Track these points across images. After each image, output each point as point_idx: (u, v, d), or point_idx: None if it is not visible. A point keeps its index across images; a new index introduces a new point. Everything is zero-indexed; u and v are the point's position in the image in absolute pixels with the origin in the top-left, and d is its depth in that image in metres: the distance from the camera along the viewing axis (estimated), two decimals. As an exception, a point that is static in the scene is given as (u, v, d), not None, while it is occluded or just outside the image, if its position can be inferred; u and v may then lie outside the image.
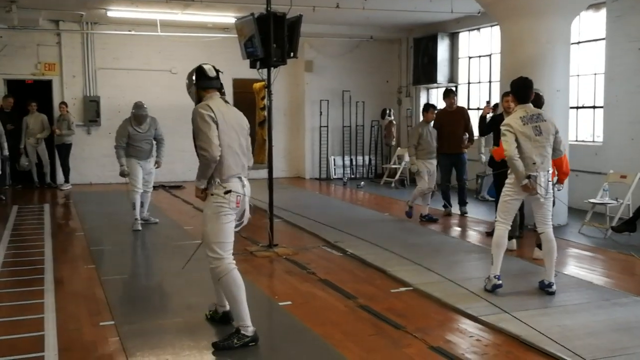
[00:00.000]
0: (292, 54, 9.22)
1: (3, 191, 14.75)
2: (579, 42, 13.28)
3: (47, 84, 17.26)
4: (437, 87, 18.62)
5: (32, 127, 16.16)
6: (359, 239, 9.99)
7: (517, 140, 6.86)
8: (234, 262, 5.56)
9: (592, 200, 10.79)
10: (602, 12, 12.78)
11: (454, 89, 16.20)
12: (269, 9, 9.00)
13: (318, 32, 17.53)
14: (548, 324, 6.00)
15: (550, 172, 7.09)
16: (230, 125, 5.55)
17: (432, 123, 11.83)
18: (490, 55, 16.43)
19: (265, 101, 9.51)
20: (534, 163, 6.87)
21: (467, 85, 17.47)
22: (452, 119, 12.06)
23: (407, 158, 17.29)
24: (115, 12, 15.51)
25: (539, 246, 9.04)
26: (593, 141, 13.23)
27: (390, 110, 18.70)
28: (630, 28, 12.01)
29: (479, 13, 15.28)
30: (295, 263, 8.59)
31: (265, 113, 9.57)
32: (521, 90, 7.09)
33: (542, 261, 7.33)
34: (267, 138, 9.59)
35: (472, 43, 17.33)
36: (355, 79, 19.60)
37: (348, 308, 6.66)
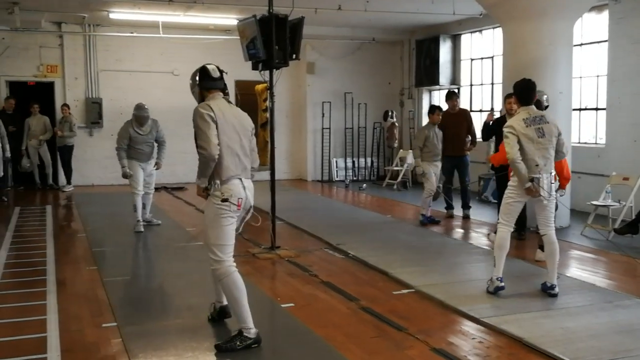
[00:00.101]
0: (294, 56, 9.23)
1: (5, 193, 14.76)
2: (581, 44, 13.27)
3: (50, 86, 17.27)
4: (439, 89, 18.60)
5: (34, 128, 16.17)
6: (361, 241, 10.01)
7: (519, 142, 6.86)
8: (235, 264, 5.55)
9: (594, 203, 10.78)
10: (605, 14, 12.77)
11: (456, 91, 16.18)
12: (271, 10, 9.00)
13: (320, 34, 17.52)
14: (550, 326, 6.00)
15: (553, 174, 7.08)
16: (231, 125, 5.53)
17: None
18: (492, 57, 16.42)
19: (268, 103, 9.52)
20: (537, 165, 6.86)
21: (470, 87, 17.45)
22: (454, 121, 12.03)
23: (409, 160, 17.35)
24: (117, 14, 15.52)
25: (541, 248, 9.04)
26: (596, 143, 13.21)
27: (392, 112, 18.68)
28: (633, 30, 11.99)
29: (481, 15, 15.26)
30: (298, 265, 8.59)
31: (268, 115, 9.57)
32: (524, 92, 7.08)
33: (545, 263, 7.32)
34: (269, 140, 9.59)
35: (475, 45, 17.31)
36: (357, 80, 19.59)
37: (350, 310, 6.66)
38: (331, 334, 5.86)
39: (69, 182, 16.65)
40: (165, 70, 17.86)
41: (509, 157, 6.88)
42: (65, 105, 16.62)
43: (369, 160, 19.86)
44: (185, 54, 17.35)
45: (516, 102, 7.27)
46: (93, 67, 17.46)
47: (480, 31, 16.93)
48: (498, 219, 7.35)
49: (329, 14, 14.78)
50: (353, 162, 19.64)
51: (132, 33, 17.08)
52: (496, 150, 9.68)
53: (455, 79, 17.80)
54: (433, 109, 11.82)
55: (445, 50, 17.66)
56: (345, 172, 19.41)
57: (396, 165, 18.46)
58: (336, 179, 19.33)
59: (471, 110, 15.81)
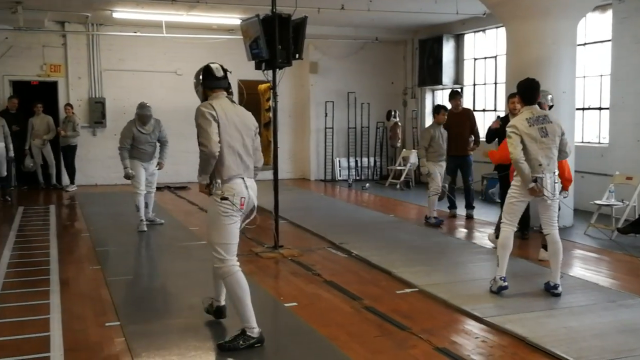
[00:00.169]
0: (297, 56, 9.22)
1: (9, 192, 14.78)
2: (585, 44, 13.25)
3: (53, 85, 17.28)
4: (442, 89, 18.60)
5: (37, 128, 16.17)
6: (364, 240, 10.01)
7: (522, 142, 6.85)
8: (238, 263, 5.56)
9: (597, 202, 10.77)
10: (609, 14, 12.76)
11: (459, 90, 16.17)
12: (274, 10, 9.01)
13: (323, 33, 17.51)
14: (554, 326, 6.00)
15: (557, 173, 7.07)
16: (233, 124, 5.53)
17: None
18: (495, 57, 16.41)
19: (271, 102, 9.52)
20: (540, 165, 6.86)
21: (473, 86, 17.44)
22: (458, 121, 12.01)
23: (412, 159, 17.37)
24: (120, 14, 15.53)
25: (545, 247, 9.03)
26: (599, 142, 13.19)
27: (395, 112, 18.66)
28: (637, 29, 11.98)
29: (484, 14, 15.25)
30: (301, 264, 8.59)
31: (271, 114, 9.58)
32: (528, 91, 7.07)
33: (548, 262, 7.32)
34: (273, 139, 9.60)
35: (478, 44, 17.30)
36: (360, 80, 19.58)
37: (353, 309, 6.66)
38: (334, 333, 5.86)
39: (72, 182, 16.66)
40: (169, 70, 17.87)
41: (513, 157, 6.88)
42: (68, 104, 16.63)
43: (372, 159, 19.85)
44: (188, 53, 17.35)
45: (519, 101, 7.25)
46: (96, 66, 17.47)
47: (483, 31, 16.92)
48: (501, 219, 7.35)
49: (332, 14, 14.77)
50: (356, 161, 19.64)
51: (135, 32, 17.09)
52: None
53: (458, 79, 17.79)
54: (438, 109, 11.77)
55: (448, 49, 17.65)
56: (348, 172, 19.41)
57: (399, 165, 18.47)
58: (339, 179, 19.33)
59: (474, 110, 15.79)
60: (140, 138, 10.71)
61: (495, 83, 16.44)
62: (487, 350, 5.50)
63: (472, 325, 6.15)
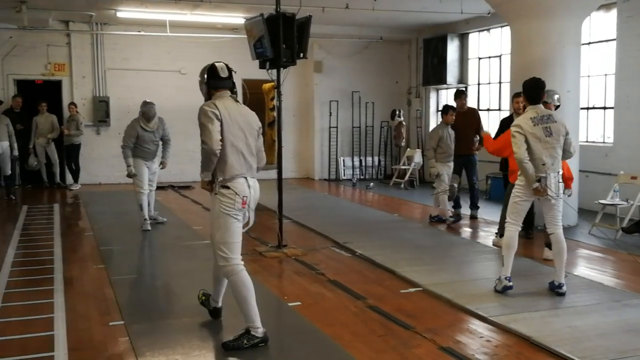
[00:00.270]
0: (301, 55, 9.21)
1: (13, 191, 14.79)
2: (589, 43, 13.23)
3: (57, 85, 17.31)
4: (446, 88, 18.59)
5: (41, 127, 16.18)
6: (368, 239, 10.01)
7: (527, 141, 6.84)
8: (242, 262, 5.55)
9: (602, 201, 10.75)
10: (613, 13, 12.73)
11: (464, 89, 16.16)
12: (278, 9, 9.00)
13: (327, 32, 17.52)
14: (558, 325, 5.99)
15: (561, 173, 7.06)
16: (237, 124, 5.53)
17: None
18: (500, 56, 16.39)
19: (275, 102, 9.52)
20: (544, 164, 6.84)
21: (477, 86, 17.42)
22: (463, 120, 11.94)
23: (417, 159, 17.37)
24: (124, 13, 15.55)
25: (548, 246, 9.02)
26: (603, 142, 13.17)
27: (399, 111, 18.65)
28: (641, 29, 11.97)
29: (488, 14, 15.23)
30: (305, 264, 8.58)
31: (275, 114, 9.57)
32: (533, 90, 7.05)
33: (552, 261, 7.30)
34: (277, 139, 9.59)
35: (482, 44, 17.28)
36: (365, 79, 19.58)
37: (357, 309, 6.65)
38: (338, 333, 5.86)
39: (76, 181, 16.68)
40: (173, 69, 17.88)
41: (517, 157, 6.87)
42: (72, 103, 16.65)
43: (376, 159, 19.85)
44: (192, 52, 17.36)
45: (524, 100, 7.23)
46: (100, 65, 17.49)
47: (488, 30, 16.90)
48: (502, 220, 7.34)
49: (337, 13, 14.77)
50: (360, 160, 19.63)
51: (139, 32, 17.10)
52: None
53: (462, 78, 17.77)
54: (446, 109, 11.68)
55: (452, 49, 17.64)
56: (353, 171, 19.41)
57: (403, 164, 18.45)
58: (343, 178, 19.32)
59: (478, 109, 15.76)
60: (145, 136, 10.70)
61: (500, 82, 16.41)
62: (492, 349, 5.49)
63: (476, 325, 6.14)
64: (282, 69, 9.17)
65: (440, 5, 14.85)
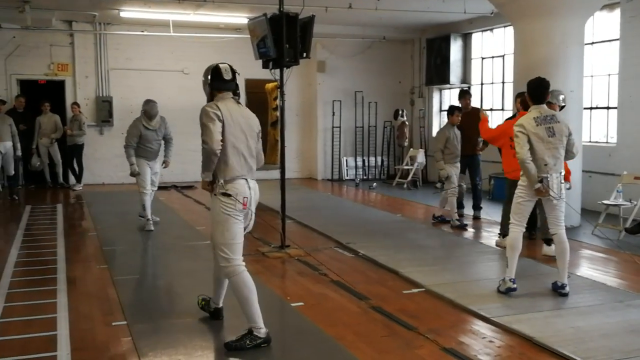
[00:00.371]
0: (304, 55, 9.21)
1: (16, 191, 14.82)
2: (592, 43, 13.21)
3: (60, 84, 17.32)
4: (449, 88, 18.59)
5: (44, 127, 16.18)
6: (371, 240, 10.01)
7: (529, 141, 6.83)
8: (244, 263, 5.56)
9: (605, 202, 10.74)
10: (616, 13, 12.72)
11: (468, 89, 16.13)
12: (281, 9, 9.00)
13: (330, 32, 17.50)
14: (561, 326, 5.99)
15: (563, 173, 7.05)
16: (238, 125, 5.55)
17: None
18: (503, 56, 16.38)
19: (278, 101, 9.51)
20: (546, 164, 6.83)
21: (480, 86, 17.40)
22: (466, 120, 11.88)
23: (420, 159, 17.36)
24: (127, 13, 15.55)
25: (546, 241, 9.03)
26: (607, 142, 13.16)
27: (402, 111, 18.61)
28: (645, 28, 11.96)
29: (492, 13, 15.23)
30: (307, 264, 8.58)
31: (278, 113, 9.57)
32: (537, 90, 7.04)
33: (552, 259, 7.30)
34: (280, 138, 9.59)
35: (485, 44, 17.26)
36: (368, 79, 19.57)
37: (360, 309, 6.65)
38: (341, 333, 5.86)
39: (79, 181, 16.69)
40: (176, 69, 17.89)
41: (519, 157, 6.85)
42: (75, 103, 16.66)
43: (379, 159, 19.85)
44: (195, 52, 17.37)
45: (528, 99, 7.20)
46: (103, 65, 17.50)
47: (491, 30, 16.88)
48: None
49: (340, 13, 14.76)
50: (363, 160, 19.63)
51: (142, 32, 17.11)
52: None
53: (465, 78, 17.76)
54: (452, 110, 11.58)
55: (455, 49, 17.62)
56: (356, 171, 19.40)
57: (406, 164, 18.45)
58: (346, 178, 19.32)
59: (482, 109, 15.73)
60: (148, 135, 10.69)
61: (503, 82, 16.39)
62: (495, 350, 5.48)
63: (479, 325, 6.13)
64: (285, 68, 9.17)
65: (443, 5, 14.85)
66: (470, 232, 11.15)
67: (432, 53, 18.36)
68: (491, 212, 12.25)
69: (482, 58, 17.34)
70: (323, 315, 6.41)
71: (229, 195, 5.42)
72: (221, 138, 5.39)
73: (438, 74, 18.10)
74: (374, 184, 17.88)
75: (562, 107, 8.61)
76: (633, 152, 12.07)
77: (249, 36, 9.48)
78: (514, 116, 9.92)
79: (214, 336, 5.88)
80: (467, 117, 11.80)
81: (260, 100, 18.82)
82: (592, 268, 8.48)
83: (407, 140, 18.63)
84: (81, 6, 15.23)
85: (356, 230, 10.78)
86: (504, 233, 9.67)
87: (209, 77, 5.67)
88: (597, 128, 13.51)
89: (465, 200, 12.30)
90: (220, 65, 5.70)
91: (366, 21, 17.15)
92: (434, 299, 6.99)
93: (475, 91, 17.35)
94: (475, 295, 6.97)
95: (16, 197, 14.49)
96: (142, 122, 10.70)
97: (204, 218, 11.81)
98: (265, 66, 9.30)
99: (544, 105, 7.06)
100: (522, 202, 7.04)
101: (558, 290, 6.99)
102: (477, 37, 17.55)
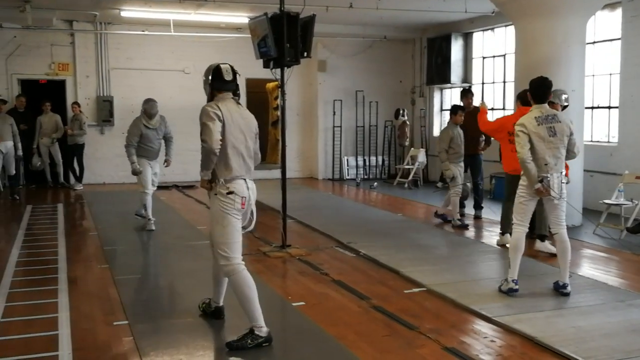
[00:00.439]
0: (305, 54, 9.20)
1: (17, 191, 14.81)
2: (594, 42, 13.20)
3: (61, 84, 17.32)
4: (450, 88, 18.59)
5: (45, 127, 16.16)
6: (372, 239, 10.00)
7: (530, 141, 6.82)
8: (243, 262, 5.57)
9: (607, 201, 10.73)
10: (618, 12, 12.71)
11: (470, 88, 16.11)
12: (282, 8, 9.00)
13: (331, 32, 17.48)
14: (563, 325, 5.98)
15: (564, 173, 7.03)
16: (238, 126, 5.58)
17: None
18: (504, 56, 16.37)
19: (279, 101, 9.51)
20: (547, 164, 6.81)
21: (481, 85, 17.40)
22: (469, 120, 11.86)
23: (420, 158, 17.35)
24: (128, 12, 15.55)
25: (540, 237, 9.01)
26: (608, 142, 13.15)
27: (403, 111, 18.62)
28: (646, 28, 11.95)
29: (493, 13, 15.23)
30: (309, 264, 8.58)
31: (279, 113, 9.57)
32: (539, 89, 7.02)
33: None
34: (281, 138, 9.58)
35: (486, 43, 17.25)
36: (369, 79, 19.56)
37: (361, 309, 6.65)
38: (342, 333, 5.85)
39: (79, 181, 16.69)
40: (176, 69, 17.89)
41: (520, 157, 6.84)
42: (75, 103, 16.65)
43: (380, 158, 19.83)
44: (196, 52, 17.38)
45: (530, 98, 7.18)
46: (104, 65, 17.50)
47: (492, 29, 16.87)
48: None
49: (341, 12, 14.74)
50: (364, 160, 19.62)
51: (143, 31, 17.11)
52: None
53: (466, 77, 17.75)
54: (455, 110, 11.55)
55: (456, 48, 17.62)
56: (356, 171, 19.39)
57: (407, 164, 18.44)
58: (347, 178, 19.30)
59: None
60: (148, 134, 10.67)
61: (504, 82, 16.38)
62: (496, 350, 5.48)
63: (480, 325, 6.13)
64: (286, 68, 9.16)
65: (444, 5, 14.84)
66: (471, 231, 11.14)
67: (433, 52, 18.36)
68: (492, 212, 12.25)
69: (483, 57, 17.33)
70: (324, 315, 6.41)
71: (230, 192, 5.45)
72: (220, 138, 5.42)
73: (439, 74, 18.10)
74: (375, 183, 17.88)
75: (565, 107, 8.59)
76: (634, 151, 12.06)
77: (249, 36, 9.48)
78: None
79: (215, 336, 5.88)
80: (469, 116, 11.77)
81: (261, 100, 18.88)
82: (593, 268, 8.47)
83: (407, 139, 18.64)
84: (82, 6, 15.24)
85: (357, 230, 10.77)
86: (503, 231, 9.68)
87: (210, 77, 5.69)
88: (599, 127, 13.50)
89: (465, 200, 12.28)
90: (222, 66, 5.71)
91: (367, 20, 17.15)
92: (435, 299, 6.98)
93: (476, 91, 17.30)
94: (476, 295, 6.97)
95: (17, 197, 14.48)
96: (143, 121, 10.68)
97: (205, 218, 11.77)
98: (266, 66, 9.30)
99: (546, 105, 7.04)
100: (524, 202, 7.03)
101: (559, 290, 6.98)
102: (478, 37, 17.54)
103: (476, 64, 17.61)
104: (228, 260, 5.50)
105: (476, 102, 11.87)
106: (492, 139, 11.68)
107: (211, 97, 5.71)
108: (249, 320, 5.47)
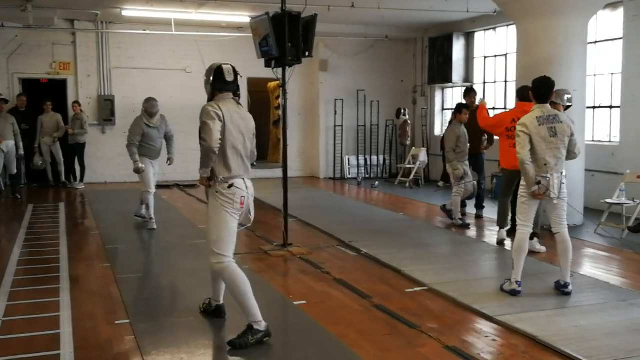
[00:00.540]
0: (307, 53, 9.21)
1: (18, 190, 14.82)
2: (595, 42, 13.20)
3: (62, 83, 17.33)
4: (452, 87, 18.59)
5: (46, 126, 16.17)
6: (373, 238, 10.00)
7: (531, 141, 6.81)
8: (234, 260, 5.62)
9: (608, 201, 10.73)
10: (620, 11, 12.71)
11: (472, 87, 16.10)
12: (284, 8, 8.99)
13: (333, 31, 17.50)
14: (564, 325, 5.98)
15: (564, 173, 7.03)
16: (237, 126, 5.63)
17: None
18: (506, 55, 16.36)
19: (280, 100, 9.51)
20: (547, 164, 6.81)
21: (483, 85, 17.39)
22: (472, 119, 11.82)
23: (422, 157, 17.35)
24: (130, 12, 15.56)
25: (535, 236, 8.99)
26: (610, 141, 13.15)
27: (405, 110, 18.63)
28: (648, 27, 11.94)
29: (494, 12, 15.23)
30: (310, 262, 8.58)
31: (280, 112, 9.56)
32: (542, 89, 7.00)
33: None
34: (282, 137, 9.59)
35: (488, 42, 17.26)
36: (370, 78, 19.56)
37: (363, 307, 6.65)
38: (344, 332, 5.85)
39: (81, 180, 16.70)
40: (178, 68, 17.90)
41: (519, 158, 6.82)
42: (76, 102, 16.65)
43: (381, 157, 19.83)
44: (197, 51, 17.34)
45: (532, 98, 7.17)
46: (105, 64, 17.50)
47: (493, 29, 16.87)
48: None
49: (342, 12, 14.75)
50: (365, 159, 19.62)
51: (144, 30, 17.11)
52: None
53: (468, 77, 17.75)
54: (460, 108, 11.48)
55: (458, 47, 17.62)
56: (358, 170, 19.39)
57: (409, 163, 18.44)
58: (348, 177, 19.30)
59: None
60: (150, 133, 10.67)
61: (506, 81, 16.38)
62: (497, 349, 5.48)
63: (482, 324, 6.13)
64: (287, 67, 9.17)
65: (446, 4, 14.85)
66: (472, 230, 11.13)
67: (434, 52, 18.37)
68: (493, 211, 12.22)
69: (485, 57, 17.33)
70: (325, 314, 6.41)
71: (231, 185, 5.50)
72: (220, 137, 5.46)
73: (440, 73, 18.11)
74: (376, 182, 17.88)
75: (567, 107, 8.58)
76: (636, 151, 12.06)
77: (251, 35, 9.48)
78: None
79: (217, 334, 5.88)
80: (472, 115, 11.74)
81: (263, 99, 18.94)
82: (595, 267, 8.47)
83: (409, 139, 18.65)
84: (83, 5, 15.25)
85: (358, 229, 10.77)
86: (500, 226, 9.69)
87: (211, 77, 5.71)
88: (600, 127, 13.50)
89: (472, 199, 12.24)
90: (223, 66, 5.73)
91: (369, 20, 17.15)
92: (437, 298, 6.99)
93: (477, 90, 17.28)
94: (478, 294, 6.97)
95: (19, 196, 14.48)
96: (144, 120, 10.69)
97: (206, 216, 11.79)
98: (267, 65, 9.29)
99: (548, 105, 7.03)
100: (526, 202, 7.02)
101: (561, 289, 6.98)
102: (479, 36, 17.54)
103: (478, 64, 17.61)
104: (219, 259, 5.54)
105: (477, 101, 11.84)
106: (496, 139, 11.66)
107: (212, 97, 5.74)
108: (246, 316, 5.48)
